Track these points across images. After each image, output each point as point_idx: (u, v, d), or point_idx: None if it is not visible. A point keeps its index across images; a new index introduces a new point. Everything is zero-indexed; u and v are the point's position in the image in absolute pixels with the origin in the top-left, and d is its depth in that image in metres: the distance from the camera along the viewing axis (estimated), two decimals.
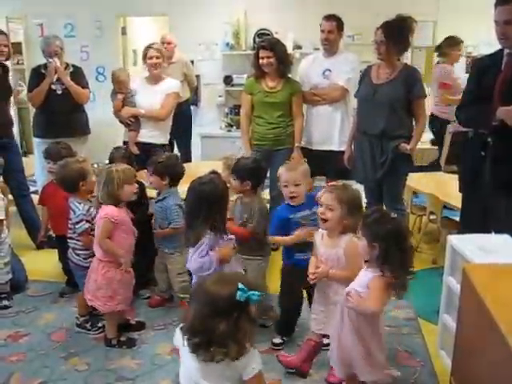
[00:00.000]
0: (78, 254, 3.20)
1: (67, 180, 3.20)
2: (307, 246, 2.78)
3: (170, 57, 5.76)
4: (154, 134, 4.50)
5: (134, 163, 3.68)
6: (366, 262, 2.28)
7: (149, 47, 4.48)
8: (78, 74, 4.80)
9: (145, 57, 4.47)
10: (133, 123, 4.48)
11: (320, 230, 2.64)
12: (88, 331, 3.23)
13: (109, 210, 2.94)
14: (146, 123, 4.50)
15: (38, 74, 4.71)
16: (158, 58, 4.43)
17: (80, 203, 3.16)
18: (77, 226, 3.15)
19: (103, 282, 2.95)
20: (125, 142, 4.59)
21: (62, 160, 3.45)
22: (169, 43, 5.91)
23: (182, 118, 5.61)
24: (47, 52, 4.63)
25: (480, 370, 2.17)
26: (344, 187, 2.59)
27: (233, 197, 3.10)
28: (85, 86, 4.88)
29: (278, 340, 3.07)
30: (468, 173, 3.14)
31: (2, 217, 3.50)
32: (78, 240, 3.19)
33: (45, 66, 4.69)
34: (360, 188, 4.10)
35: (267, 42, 4.25)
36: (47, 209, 3.73)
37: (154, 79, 4.53)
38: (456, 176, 3.42)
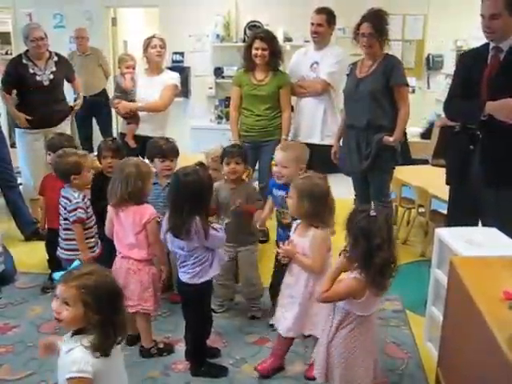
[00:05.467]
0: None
1: (60, 170, 3.17)
2: None
3: (86, 49, 6.35)
4: (151, 128, 4.43)
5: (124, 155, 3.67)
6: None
7: (152, 37, 4.39)
8: (63, 64, 4.71)
9: (147, 46, 4.35)
10: (131, 117, 4.41)
11: (296, 221, 2.64)
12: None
13: (150, 211, 2.82)
14: (144, 116, 4.43)
15: (17, 65, 4.51)
16: (161, 47, 4.37)
17: (75, 192, 3.11)
18: (71, 214, 3.07)
19: (150, 281, 2.86)
20: (122, 134, 4.53)
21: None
22: (82, 37, 6.26)
23: (100, 108, 6.15)
24: (32, 36, 4.44)
25: (466, 361, 2.20)
26: (308, 177, 2.58)
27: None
28: (73, 75, 4.86)
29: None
30: (456, 166, 3.15)
31: None
32: (70, 230, 3.13)
33: (26, 56, 4.52)
34: (348, 181, 4.15)
35: (265, 34, 4.24)
36: (45, 200, 3.64)
37: (155, 70, 4.43)
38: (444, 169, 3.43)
